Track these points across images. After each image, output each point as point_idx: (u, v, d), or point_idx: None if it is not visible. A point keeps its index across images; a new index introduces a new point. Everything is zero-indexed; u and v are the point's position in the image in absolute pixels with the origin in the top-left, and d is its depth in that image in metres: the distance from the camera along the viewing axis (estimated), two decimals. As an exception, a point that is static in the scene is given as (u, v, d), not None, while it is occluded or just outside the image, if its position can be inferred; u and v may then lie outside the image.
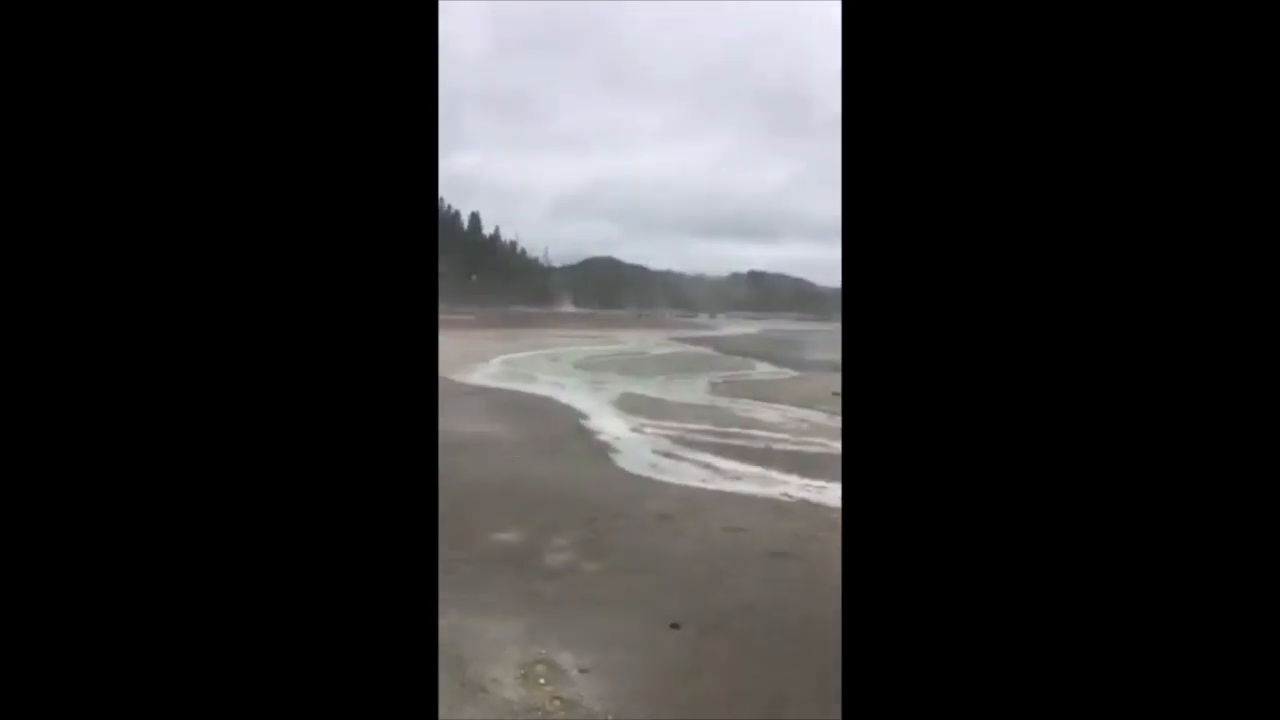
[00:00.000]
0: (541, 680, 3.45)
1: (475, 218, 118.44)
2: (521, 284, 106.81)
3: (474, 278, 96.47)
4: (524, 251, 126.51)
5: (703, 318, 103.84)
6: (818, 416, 12.71)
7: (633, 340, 39.98)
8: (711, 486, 7.67)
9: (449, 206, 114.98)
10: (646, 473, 8.20)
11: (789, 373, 21.95)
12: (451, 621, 3.87)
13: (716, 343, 41.17)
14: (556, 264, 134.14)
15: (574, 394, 15.02)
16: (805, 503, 7.11)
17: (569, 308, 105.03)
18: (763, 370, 23.52)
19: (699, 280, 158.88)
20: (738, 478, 8.09)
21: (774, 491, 7.47)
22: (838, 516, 6.71)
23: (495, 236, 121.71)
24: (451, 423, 10.64)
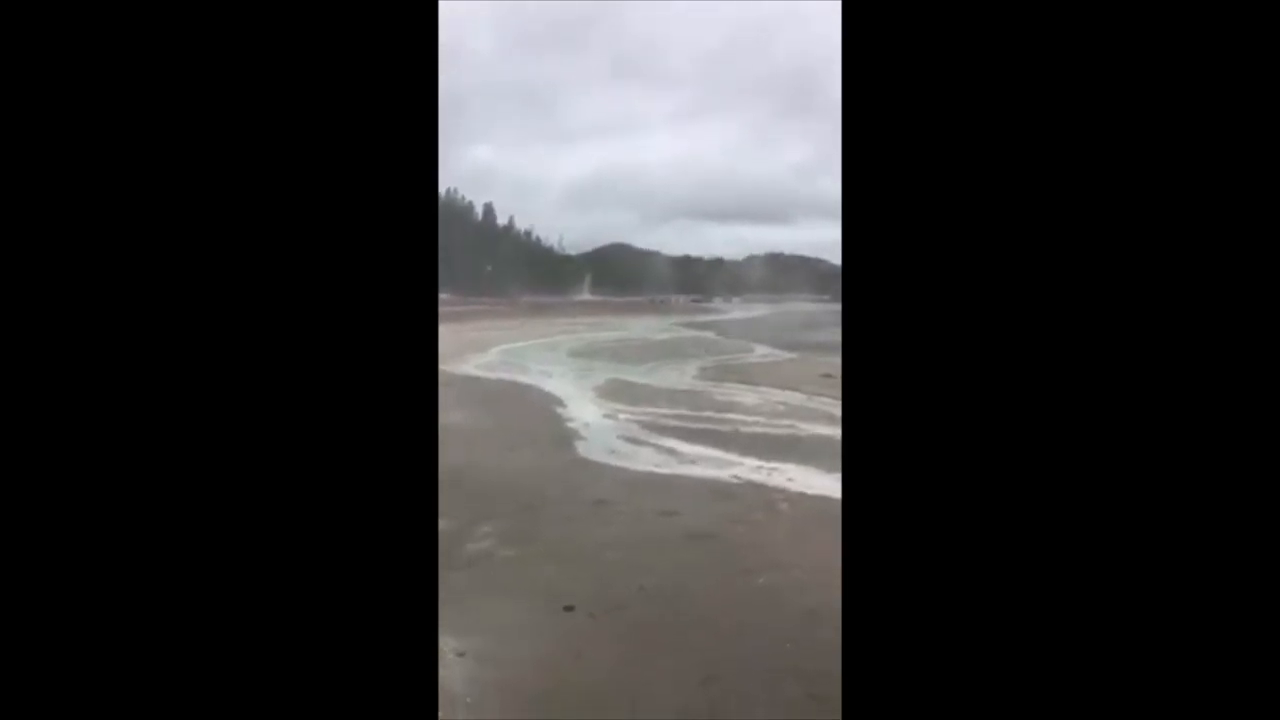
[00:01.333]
0: (415, 666, 3.52)
1: (489, 208, 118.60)
2: (536, 272, 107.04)
3: (489, 268, 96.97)
4: (539, 240, 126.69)
5: (717, 301, 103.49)
6: (796, 399, 12.67)
7: (638, 326, 39.98)
8: (664, 470, 7.70)
9: (463, 197, 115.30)
10: (603, 459, 8.24)
11: (784, 355, 21.87)
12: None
13: (720, 326, 41.12)
14: (571, 252, 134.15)
15: (559, 382, 15.10)
16: (750, 484, 7.13)
17: (584, 295, 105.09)
18: (759, 353, 23.45)
19: (715, 264, 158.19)
20: (693, 461, 8.11)
21: (725, 474, 7.49)
22: (778, 497, 6.74)
23: (509, 226, 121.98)
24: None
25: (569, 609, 4.14)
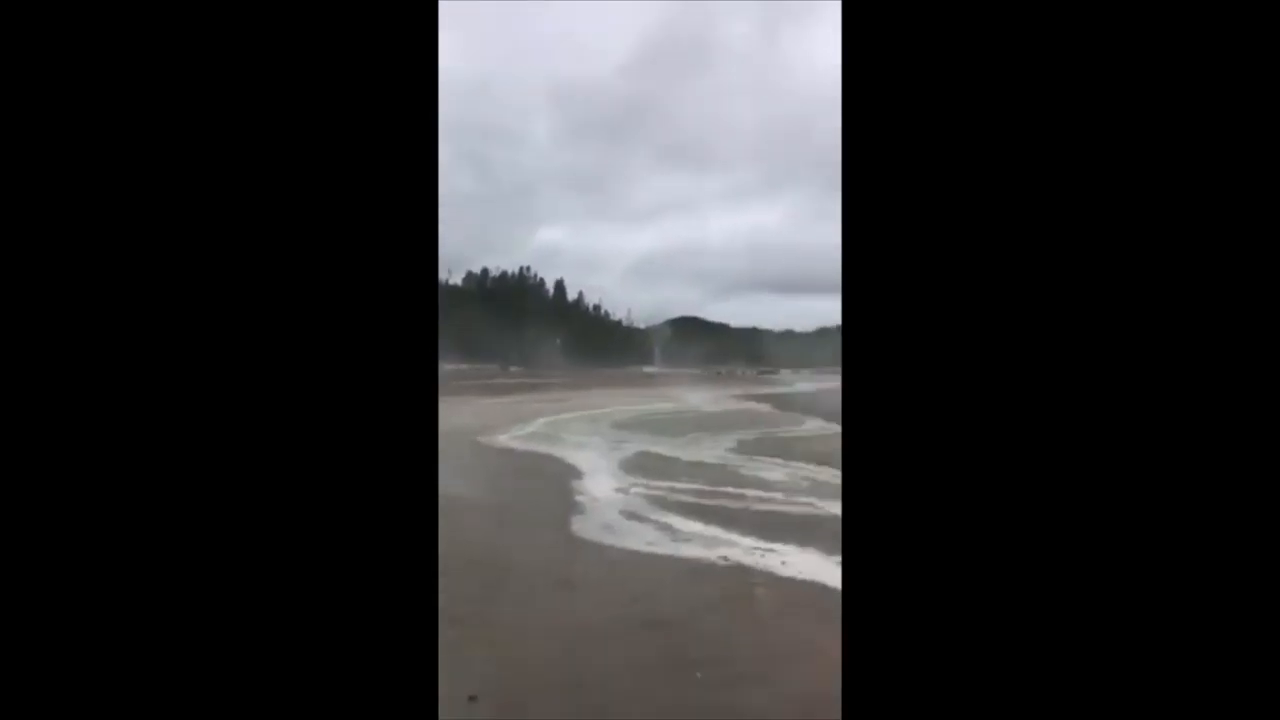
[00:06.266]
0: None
1: (560, 285, 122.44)
2: (605, 345, 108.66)
3: (558, 341, 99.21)
4: (607, 314, 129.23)
5: (785, 374, 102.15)
6: (825, 474, 12.07)
7: (696, 398, 39.56)
8: (654, 550, 7.35)
9: (535, 274, 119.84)
10: (595, 536, 7.93)
11: (833, 428, 21.10)
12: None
13: (780, 399, 40.25)
14: (641, 324, 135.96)
15: (587, 454, 14.87)
16: (739, 566, 6.70)
17: (655, 367, 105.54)
18: (808, 426, 22.72)
19: (785, 336, 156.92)
20: (688, 539, 7.72)
21: (713, 554, 7.08)
22: (761, 580, 6.28)
23: (579, 301, 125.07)
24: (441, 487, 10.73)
25: (473, 699, 3.85)
